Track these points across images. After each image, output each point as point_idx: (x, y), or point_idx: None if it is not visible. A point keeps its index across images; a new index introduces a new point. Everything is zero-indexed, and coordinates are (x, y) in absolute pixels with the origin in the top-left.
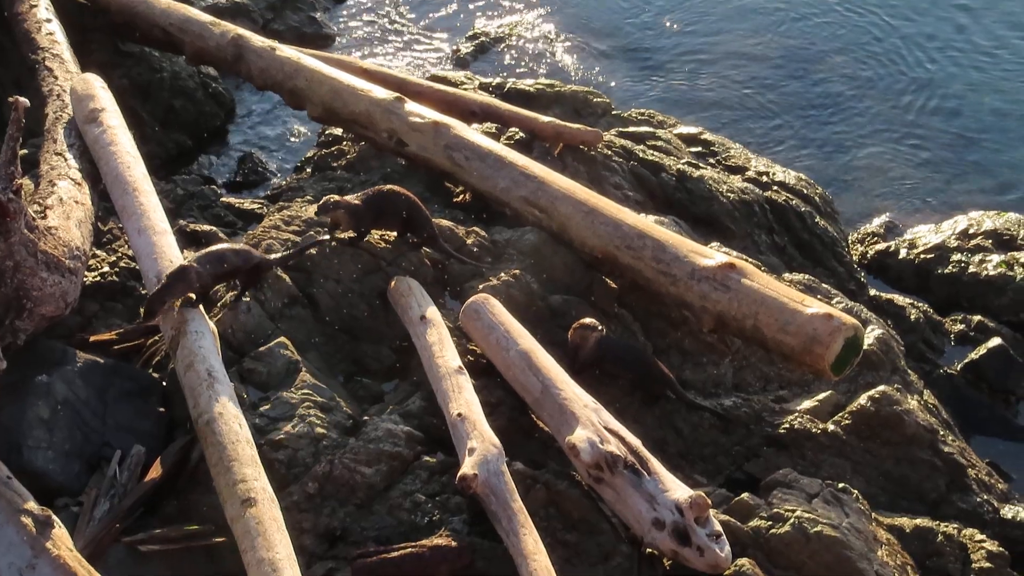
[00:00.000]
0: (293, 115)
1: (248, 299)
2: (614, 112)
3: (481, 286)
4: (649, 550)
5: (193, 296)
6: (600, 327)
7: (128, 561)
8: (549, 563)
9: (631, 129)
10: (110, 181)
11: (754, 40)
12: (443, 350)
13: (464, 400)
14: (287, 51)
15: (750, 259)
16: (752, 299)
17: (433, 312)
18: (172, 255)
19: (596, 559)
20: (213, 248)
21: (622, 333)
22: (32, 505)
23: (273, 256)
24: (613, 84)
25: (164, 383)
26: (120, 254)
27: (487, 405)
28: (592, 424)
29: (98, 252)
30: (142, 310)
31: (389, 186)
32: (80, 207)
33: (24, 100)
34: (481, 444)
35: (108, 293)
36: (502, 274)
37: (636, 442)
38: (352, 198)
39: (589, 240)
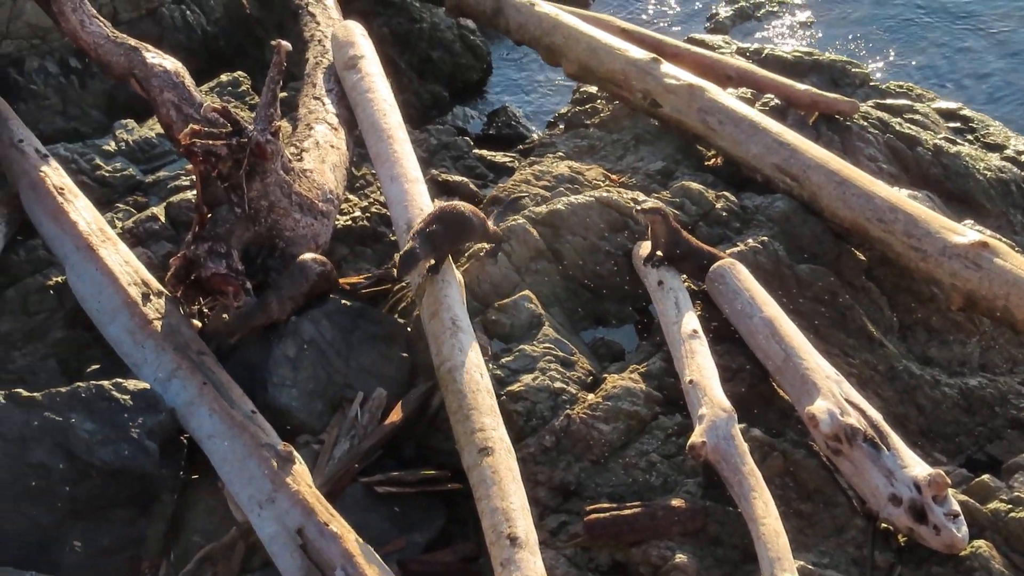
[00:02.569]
0: (548, 71)
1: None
2: (872, 83)
3: (728, 251)
4: (884, 525)
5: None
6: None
7: (364, 501)
8: (780, 527)
9: (888, 101)
10: (366, 127)
11: (1020, 18)
12: (679, 315)
13: (696, 365)
14: (546, 7)
15: (1004, 239)
16: (1004, 279)
17: (671, 276)
18: (423, 203)
19: (829, 531)
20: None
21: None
22: (275, 440)
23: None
24: (872, 55)
25: (408, 329)
26: (372, 200)
27: (728, 371)
28: (833, 395)
29: (351, 196)
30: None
31: (442, 209)
32: (335, 151)
33: (286, 44)
34: (710, 410)
35: (358, 237)
36: (749, 240)
37: (877, 416)
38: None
39: (839, 211)
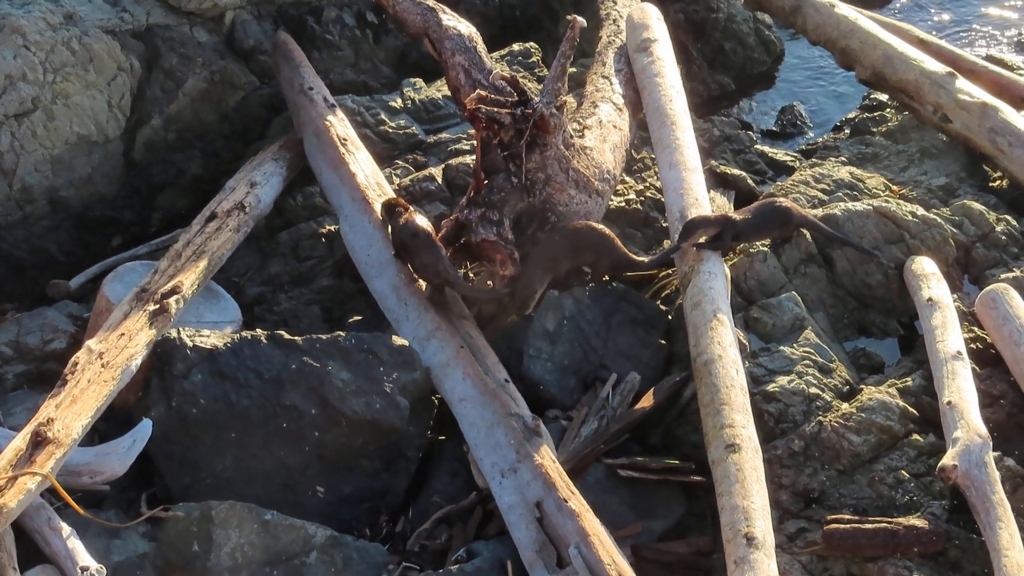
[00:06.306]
0: (839, 74)
1: (767, 250)
2: None
3: (1003, 277)
4: None
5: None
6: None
7: (604, 483)
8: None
9: None
10: (650, 111)
11: None
12: (944, 334)
13: (956, 387)
14: (845, 9)
15: None
16: None
17: (941, 295)
18: (699, 193)
19: None
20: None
21: None
22: (524, 411)
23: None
24: None
25: (669, 317)
26: (648, 184)
27: (988, 396)
28: None
29: (627, 178)
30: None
31: (764, 202)
32: (617, 132)
33: (581, 20)
34: (965, 434)
35: (629, 220)
36: None
37: None
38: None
39: None
